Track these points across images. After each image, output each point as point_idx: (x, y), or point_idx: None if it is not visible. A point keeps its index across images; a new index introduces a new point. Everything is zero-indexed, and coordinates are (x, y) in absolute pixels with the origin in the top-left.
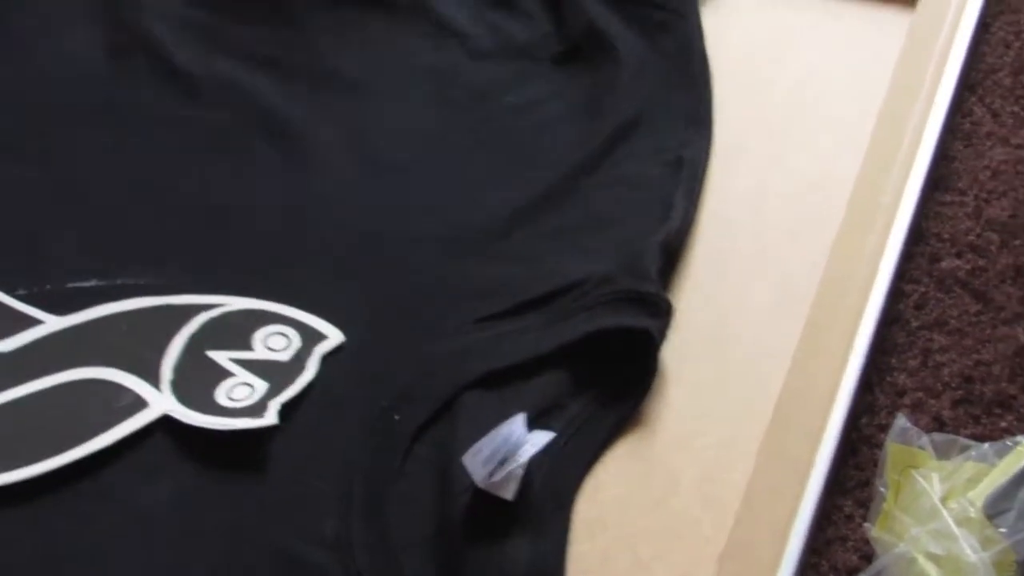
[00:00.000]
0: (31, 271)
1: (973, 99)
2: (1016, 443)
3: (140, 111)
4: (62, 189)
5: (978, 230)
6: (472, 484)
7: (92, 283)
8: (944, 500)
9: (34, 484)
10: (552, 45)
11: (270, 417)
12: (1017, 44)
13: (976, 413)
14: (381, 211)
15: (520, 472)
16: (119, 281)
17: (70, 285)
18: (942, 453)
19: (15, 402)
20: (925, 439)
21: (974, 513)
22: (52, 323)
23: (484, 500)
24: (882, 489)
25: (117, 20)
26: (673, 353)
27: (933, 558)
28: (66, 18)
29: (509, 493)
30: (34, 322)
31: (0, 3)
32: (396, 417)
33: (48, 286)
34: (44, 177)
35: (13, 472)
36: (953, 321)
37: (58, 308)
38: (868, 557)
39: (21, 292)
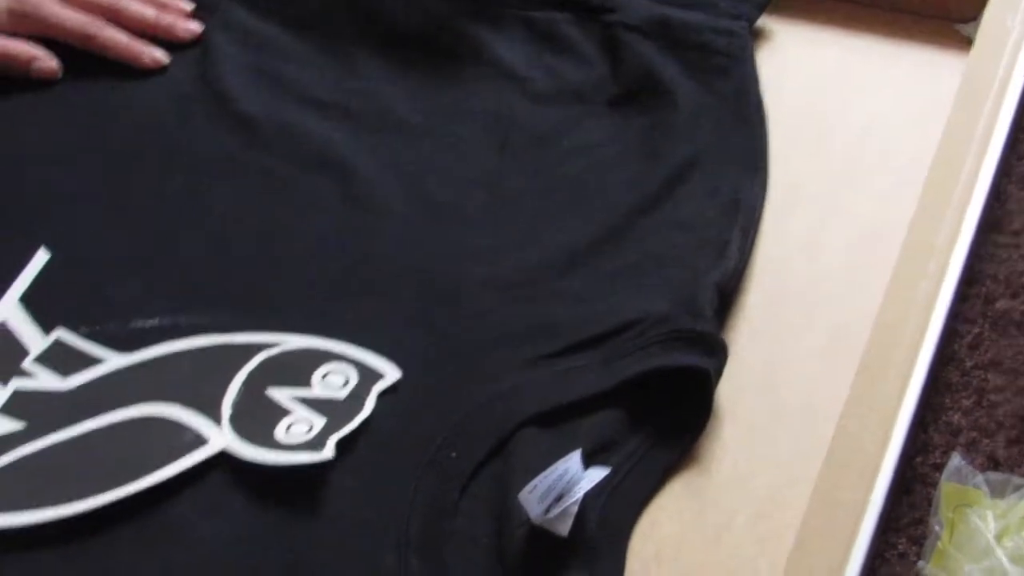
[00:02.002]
0: (94, 310)
1: None
2: None
3: (205, 155)
4: (127, 230)
5: None
6: (528, 520)
7: (154, 322)
8: (998, 538)
9: (95, 518)
10: (609, 88)
11: (328, 452)
12: None
13: None
14: (438, 252)
15: (575, 509)
16: (181, 320)
17: (132, 324)
18: (996, 492)
19: (76, 439)
20: (980, 478)
21: None
22: (113, 361)
23: (540, 537)
24: (937, 527)
25: (185, 66)
26: (728, 393)
27: None
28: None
29: (564, 530)
30: (95, 360)
31: (71, 50)
32: (453, 454)
33: (110, 325)
34: (110, 218)
35: (74, 504)
36: (1008, 361)
37: (120, 346)
38: None
39: (84, 330)
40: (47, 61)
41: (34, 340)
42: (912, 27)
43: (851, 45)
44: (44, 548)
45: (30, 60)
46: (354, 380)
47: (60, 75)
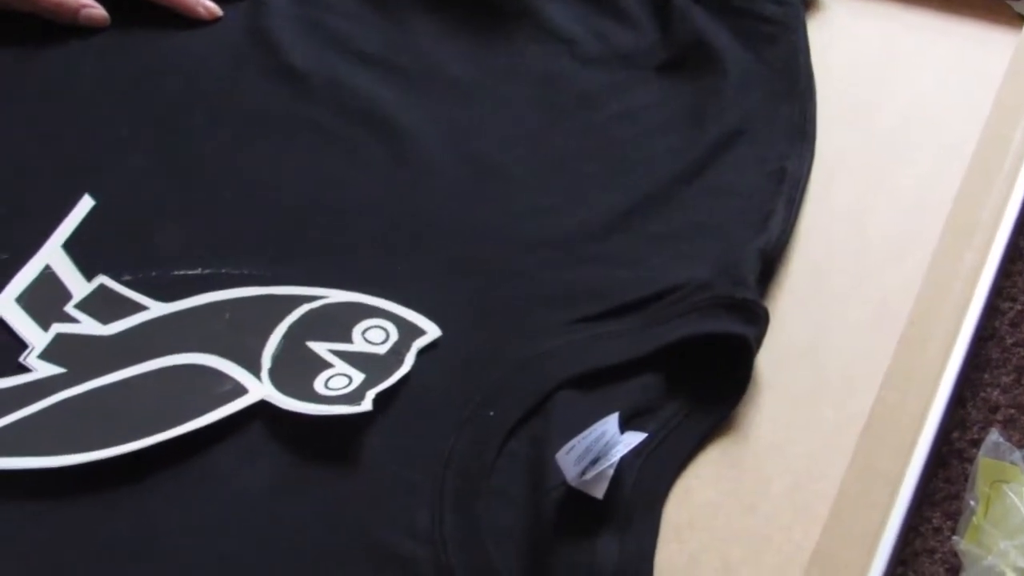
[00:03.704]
0: (138, 258)
1: None
2: None
3: (253, 106)
4: (173, 179)
5: None
6: (563, 482)
7: (197, 271)
8: None
9: (134, 464)
10: (658, 53)
11: (366, 404)
12: None
13: None
14: (483, 211)
15: (611, 472)
16: (224, 270)
17: (176, 272)
18: None
19: (116, 384)
20: (1017, 454)
21: None
22: (156, 309)
23: (575, 498)
24: (972, 503)
25: (236, 18)
26: (768, 361)
27: (1021, 572)
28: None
29: (599, 492)
30: (139, 307)
31: (126, 2)
32: (491, 413)
33: (153, 273)
34: (156, 167)
35: (113, 448)
36: None
37: (162, 294)
38: (955, 570)
39: (127, 278)
40: (95, 8)
41: (77, 285)
42: (964, 2)
43: (902, 18)
44: (83, 492)
45: (78, 7)
46: (394, 336)
47: (108, 23)
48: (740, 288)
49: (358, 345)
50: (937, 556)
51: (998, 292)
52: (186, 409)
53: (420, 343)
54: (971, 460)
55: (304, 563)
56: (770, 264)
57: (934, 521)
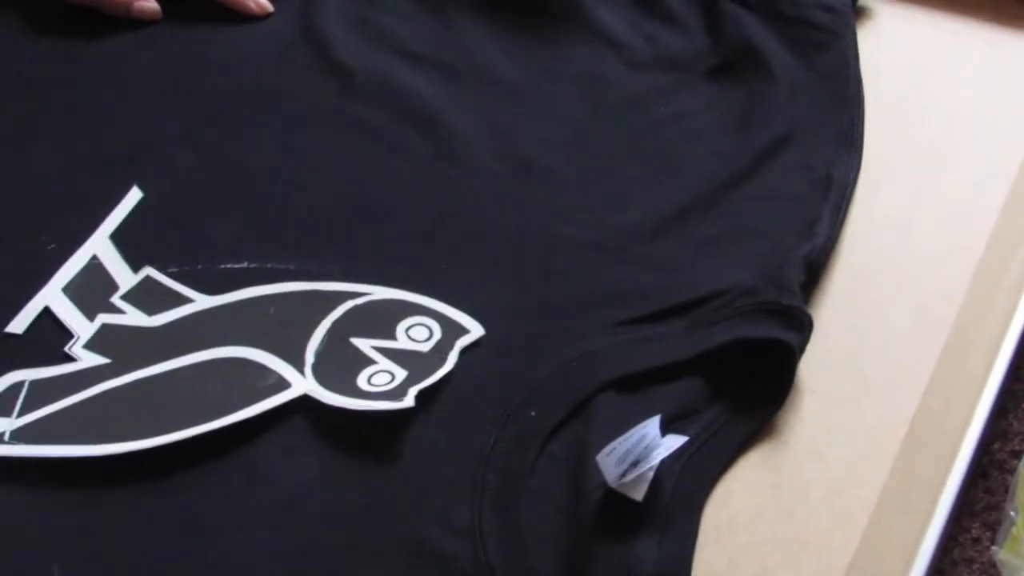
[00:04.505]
0: (184, 250)
1: None
2: None
3: (301, 102)
4: (221, 173)
5: None
6: (604, 483)
7: (243, 265)
8: None
9: (176, 456)
10: (707, 58)
11: (408, 401)
12: None
13: None
14: (527, 211)
15: (651, 474)
16: (269, 265)
17: (222, 266)
18: None
19: (160, 376)
20: None
21: None
22: (201, 302)
23: (615, 500)
24: (1012, 513)
25: (287, 13)
26: (810, 367)
27: None
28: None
29: (639, 494)
30: (184, 300)
31: None
32: (532, 413)
33: (200, 266)
34: (204, 161)
35: (155, 438)
36: None
37: (208, 287)
38: None
39: (173, 270)
40: (148, 2)
41: (124, 276)
42: (1012, 13)
43: (951, 28)
44: (126, 483)
45: (132, 0)
46: (438, 334)
47: (160, 17)
48: (785, 294)
49: (401, 342)
50: (975, 566)
51: None
52: (229, 402)
53: (463, 342)
54: (1012, 471)
55: (344, 557)
56: (815, 271)
57: (973, 531)
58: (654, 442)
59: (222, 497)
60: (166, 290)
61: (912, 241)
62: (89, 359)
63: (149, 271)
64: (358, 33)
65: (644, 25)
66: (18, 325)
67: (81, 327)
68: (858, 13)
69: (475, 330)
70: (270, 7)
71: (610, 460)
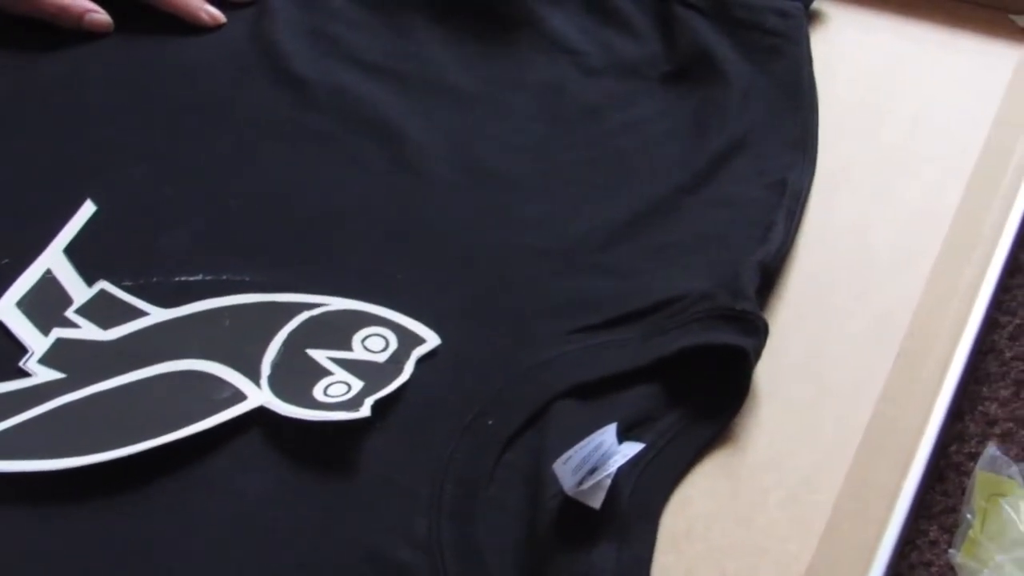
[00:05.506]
0: (138, 263)
1: None
2: None
3: (256, 113)
4: (175, 185)
5: None
6: (561, 491)
7: (198, 278)
8: None
9: (134, 469)
10: (661, 64)
11: (364, 410)
12: None
13: None
14: (484, 220)
15: (608, 482)
16: (224, 277)
17: (177, 279)
18: None
19: (116, 390)
20: (1014, 468)
21: None
22: (156, 315)
23: (572, 508)
24: (969, 516)
25: (240, 24)
26: (767, 373)
27: None
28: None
29: (596, 502)
30: (139, 313)
31: (125, 5)
32: (489, 422)
33: (155, 279)
34: (159, 173)
35: (111, 452)
36: None
37: (163, 300)
38: None
39: (127, 283)
40: (100, 13)
41: (78, 290)
42: (967, 16)
43: (905, 32)
44: (82, 497)
45: (83, 12)
46: (394, 344)
47: (112, 28)
48: (740, 300)
49: (358, 353)
50: (933, 569)
51: (997, 306)
52: (185, 414)
53: (420, 351)
54: (968, 473)
55: (301, 569)
56: (770, 276)
57: (931, 534)
58: (611, 449)
59: (178, 512)
60: (121, 303)
61: (869, 246)
62: (44, 374)
63: (103, 284)
64: (312, 43)
65: (599, 32)
66: None
67: (35, 342)
68: (811, 17)
69: (431, 340)
70: (222, 18)
71: (567, 468)
